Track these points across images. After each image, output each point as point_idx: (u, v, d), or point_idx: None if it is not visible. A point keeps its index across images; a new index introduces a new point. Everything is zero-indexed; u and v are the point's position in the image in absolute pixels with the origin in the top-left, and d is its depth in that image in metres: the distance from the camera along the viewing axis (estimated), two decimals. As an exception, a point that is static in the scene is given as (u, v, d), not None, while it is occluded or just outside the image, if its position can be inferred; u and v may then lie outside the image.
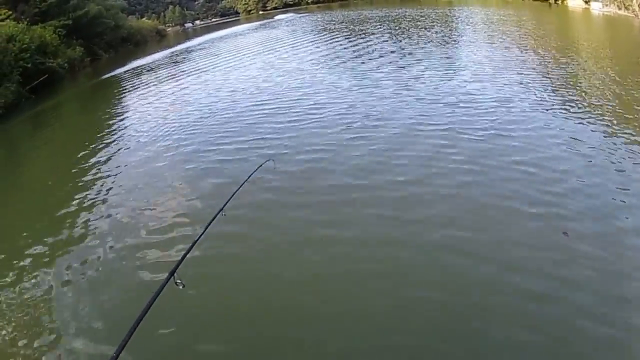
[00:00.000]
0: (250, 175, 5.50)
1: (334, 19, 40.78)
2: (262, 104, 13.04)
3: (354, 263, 5.67)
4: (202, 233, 3.84)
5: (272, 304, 5.22)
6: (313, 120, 11.10)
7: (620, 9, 25.36)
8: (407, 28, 27.24)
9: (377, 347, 4.36)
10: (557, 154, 7.74)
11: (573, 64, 14.41)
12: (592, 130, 8.65)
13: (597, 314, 4.30)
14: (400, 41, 22.03)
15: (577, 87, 11.77)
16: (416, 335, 4.38)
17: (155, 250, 6.50)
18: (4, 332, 5.43)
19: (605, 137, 8.33)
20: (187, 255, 3.39)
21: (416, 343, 4.31)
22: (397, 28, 28.11)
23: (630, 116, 9.24)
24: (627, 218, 5.72)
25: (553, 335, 4.17)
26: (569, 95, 11.06)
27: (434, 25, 27.77)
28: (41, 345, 5.10)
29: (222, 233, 6.20)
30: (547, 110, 9.93)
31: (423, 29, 26.10)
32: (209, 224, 3.99)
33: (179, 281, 3.05)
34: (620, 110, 9.68)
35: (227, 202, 4.48)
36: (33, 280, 6.28)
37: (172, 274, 3.08)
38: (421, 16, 32.60)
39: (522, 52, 16.89)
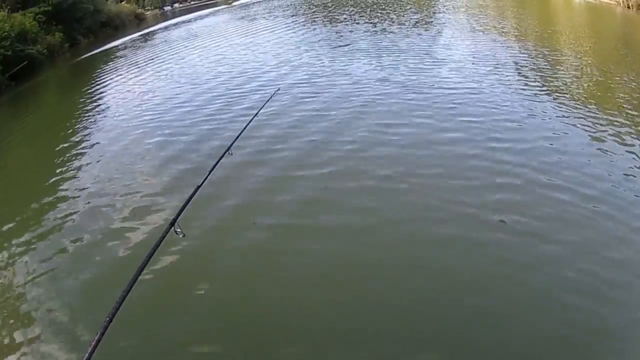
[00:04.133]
0: (258, 111, 6.47)
1: (306, 1, 41.01)
2: (244, 85, 13.72)
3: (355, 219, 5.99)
4: (205, 179, 4.06)
5: (281, 250, 5.56)
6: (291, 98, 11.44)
7: (602, -4, 25.55)
8: (386, 13, 27.32)
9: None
10: (519, 137, 7.99)
11: (552, 50, 15.07)
12: (560, 116, 8.97)
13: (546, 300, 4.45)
14: (377, 27, 22.42)
15: (554, 72, 12.27)
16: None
17: (153, 209, 6.85)
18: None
19: (573, 121, 8.66)
20: (189, 203, 3.57)
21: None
22: (374, 12, 28.21)
23: (605, 102, 9.69)
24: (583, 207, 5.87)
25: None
26: (543, 80, 11.53)
27: (414, 9, 28.15)
28: (32, 302, 5.24)
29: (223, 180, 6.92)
30: (521, 96, 10.28)
31: (402, 14, 26.37)
32: (213, 167, 4.31)
33: (178, 230, 3.17)
34: (594, 97, 10.20)
35: (233, 142, 4.93)
36: (22, 257, 6.29)
37: (172, 224, 3.18)
38: (401, 3, 32.39)
39: (502, 38, 17.50)
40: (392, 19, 24.60)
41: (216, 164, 4.43)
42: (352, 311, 4.58)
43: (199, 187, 3.88)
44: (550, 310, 4.32)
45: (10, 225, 7.35)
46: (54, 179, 8.87)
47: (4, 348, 4.66)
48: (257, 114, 7.09)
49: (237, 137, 5.48)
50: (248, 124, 6.38)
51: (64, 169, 9.30)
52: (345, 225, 5.97)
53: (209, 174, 4.22)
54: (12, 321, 5.04)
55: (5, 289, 5.71)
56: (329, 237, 5.81)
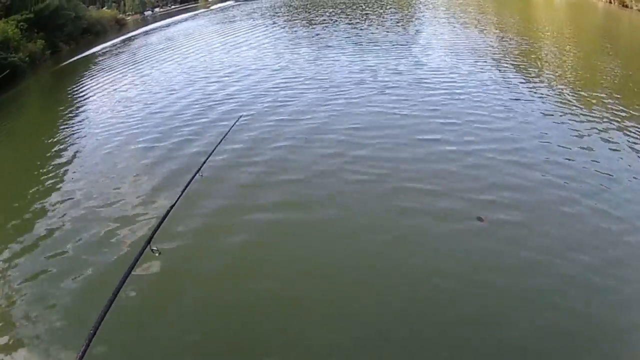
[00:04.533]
0: (224, 136, 6.06)
1: (285, 3, 41.39)
2: (222, 89, 13.94)
3: (329, 230, 5.97)
4: (178, 199, 3.99)
5: (252, 268, 5.41)
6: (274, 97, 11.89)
7: (583, -9, 25.94)
8: (365, 14, 27.66)
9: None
10: (502, 135, 8.07)
11: (534, 48, 15.34)
12: (543, 112, 9.05)
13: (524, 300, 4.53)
14: (357, 27, 22.69)
15: (537, 69, 12.47)
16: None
17: (128, 227, 6.62)
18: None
19: (556, 117, 8.76)
20: (162, 225, 3.50)
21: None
22: (353, 13, 28.60)
23: (590, 97, 9.80)
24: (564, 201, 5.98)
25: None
26: (526, 77, 11.67)
27: (394, 9, 28.57)
28: (13, 323, 5.09)
29: (198, 202, 6.72)
30: (504, 94, 10.33)
31: (382, 14, 26.73)
32: (184, 189, 4.20)
33: (154, 249, 3.17)
34: (578, 91, 10.36)
35: (202, 164, 4.77)
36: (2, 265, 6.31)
37: (148, 242, 3.17)
38: (382, 3, 32.64)
39: (483, 36, 17.88)
40: (371, 19, 24.90)
41: (187, 184, 4.39)
42: (346, 320, 4.59)
43: (172, 206, 3.88)
44: (544, 309, 4.40)
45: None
46: (31, 190, 8.90)
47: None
48: (228, 132, 6.91)
49: (208, 157, 5.40)
50: (222, 140, 6.34)
51: (42, 181, 9.27)
52: (323, 237, 5.96)
53: (181, 194, 4.18)
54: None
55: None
56: (304, 246, 5.83)
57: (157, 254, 3.20)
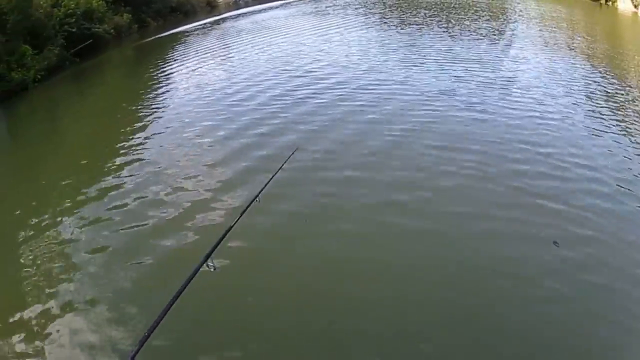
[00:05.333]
0: (284, 163, 5.71)
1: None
2: (304, 86, 13.27)
3: (392, 253, 5.91)
4: (237, 219, 3.90)
5: (302, 291, 5.39)
6: (355, 107, 11.21)
7: (669, 15, 25.08)
8: (461, 17, 27.31)
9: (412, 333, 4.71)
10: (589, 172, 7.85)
11: (621, 75, 14.48)
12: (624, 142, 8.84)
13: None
14: (450, 31, 22.32)
15: (624, 98, 11.90)
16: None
17: (188, 233, 6.55)
18: (27, 298, 5.62)
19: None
20: (221, 241, 3.49)
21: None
22: (449, 15, 28.25)
23: None
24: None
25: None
26: (615, 109, 11.03)
27: (488, 15, 28.38)
28: (67, 321, 5.14)
29: (256, 220, 6.30)
30: (594, 125, 9.87)
31: (477, 19, 26.62)
32: (244, 211, 4.09)
33: (210, 264, 3.20)
34: None
35: (261, 190, 4.63)
36: (61, 251, 6.39)
37: (207, 258, 3.21)
38: (477, 9, 31.76)
39: (572, 54, 17.21)
40: (465, 25, 24.28)
41: (248, 207, 4.28)
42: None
43: (230, 227, 3.78)
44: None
45: (58, 202, 7.82)
46: (97, 165, 9.23)
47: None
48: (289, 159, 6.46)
49: (271, 179, 5.11)
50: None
51: (107, 157, 9.46)
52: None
53: (240, 216, 4.02)
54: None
55: (51, 272, 6.08)
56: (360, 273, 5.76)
57: (212, 270, 3.16)
